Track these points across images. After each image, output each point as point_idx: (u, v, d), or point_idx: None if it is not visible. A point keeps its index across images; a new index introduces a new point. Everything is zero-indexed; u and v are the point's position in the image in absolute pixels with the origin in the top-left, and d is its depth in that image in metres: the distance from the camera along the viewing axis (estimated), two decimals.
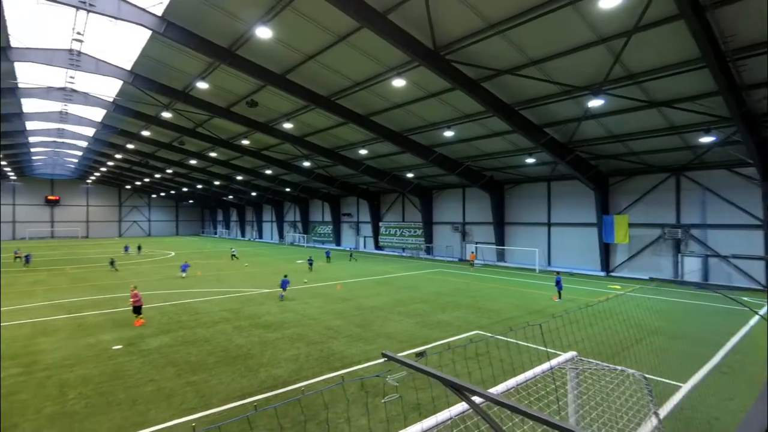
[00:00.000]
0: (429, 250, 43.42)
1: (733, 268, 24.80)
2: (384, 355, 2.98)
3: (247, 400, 9.36)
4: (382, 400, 9.17)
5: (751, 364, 11.66)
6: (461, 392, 2.43)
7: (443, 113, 24.32)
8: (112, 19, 19.33)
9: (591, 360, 5.79)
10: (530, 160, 28.66)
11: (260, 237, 78.16)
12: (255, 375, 10.82)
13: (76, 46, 22.83)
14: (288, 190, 55.15)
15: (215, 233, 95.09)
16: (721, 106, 17.93)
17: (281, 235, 69.64)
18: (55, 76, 27.54)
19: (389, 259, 41.59)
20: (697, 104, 18.69)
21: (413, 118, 25.62)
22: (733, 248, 24.71)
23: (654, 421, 6.00)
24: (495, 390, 5.06)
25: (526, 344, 13.08)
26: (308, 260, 33.56)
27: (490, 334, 14.28)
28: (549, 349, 12.67)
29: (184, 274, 28.51)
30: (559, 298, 20.51)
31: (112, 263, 32.34)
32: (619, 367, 5.49)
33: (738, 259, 24.45)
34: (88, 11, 17.40)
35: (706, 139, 21.29)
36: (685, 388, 9.97)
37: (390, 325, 15.70)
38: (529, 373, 5.83)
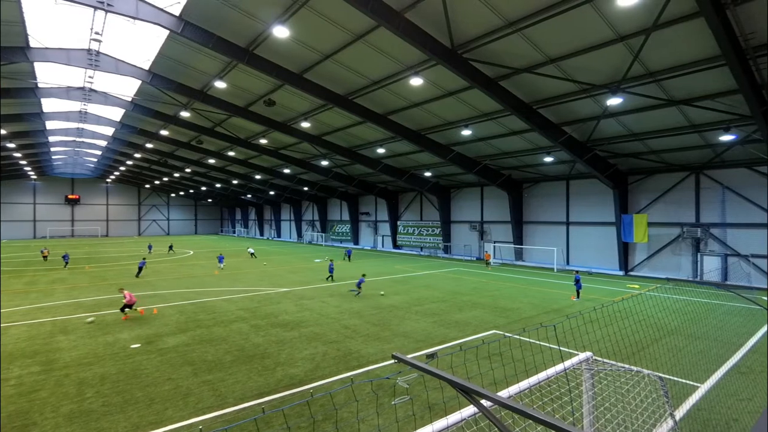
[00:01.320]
0: (447, 249, 43.28)
1: (753, 267, 24.17)
2: (394, 357, 2.97)
3: (263, 399, 9.38)
4: (393, 402, 9.17)
5: None
6: (470, 395, 2.41)
7: (461, 112, 24.18)
8: (131, 20, 19.79)
9: (606, 360, 5.72)
10: (548, 159, 28.30)
11: (278, 236, 78.83)
12: (272, 374, 10.88)
13: (94, 46, 23.32)
14: (306, 189, 55.50)
15: (234, 232, 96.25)
16: (741, 105, 17.50)
17: (299, 234, 70.12)
18: (75, 76, 28.21)
19: (407, 258, 41.56)
20: (717, 102, 18.25)
21: (431, 116, 25.53)
22: (752, 247, 24.12)
23: (670, 422, 5.90)
24: (507, 392, 5.03)
25: (542, 344, 12.99)
26: (329, 267, 27.56)
27: (507, 334, 14.20)
28: (564, 349, 12.60)
29: (221, 265, 31.90)
30: (578, 297, 20.26)
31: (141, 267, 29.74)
32: (635, 368, 5.42)
33: (758, 258, 23.84)
34: (107, 11, 17.75)
35: (726, 138, 20.75)
36: (703, 388, 9.79)
37: (407, 324, 15.71)
38: (542, 375, 5.79)
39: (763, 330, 14.74)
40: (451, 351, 12.46)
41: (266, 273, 30.31)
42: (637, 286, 24.19)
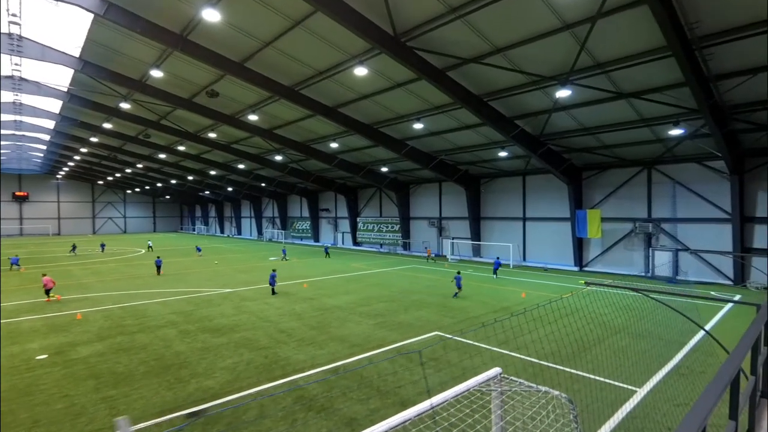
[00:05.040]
0: (406, 246, 42.74)
1: (704, 262, 24.69)
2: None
3: (164, 417, 8.48)
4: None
5: (712, 364, 11.21)
6: None
7: (412, 105, 23.47)
8: (53, 2, 17.99)
9: (515, 378, 5.06)
10: (503, 154, 28.07)
11: (239, 233, 76.57)
12: (183, 387, 9.92)
13: (15, 30, 21.20)
14: (264, 185, 53.80)
15: (194, 230, 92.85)
16: (689, 98, 17.48)
17: (260, 231, 68.20)
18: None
19: (366, 256, 40.78)
20: (665, 95, 18.27)
21: (382, 109, 24.71)
22: (703, 242, 24.60)
23: None
24: (407, 414, 4.34)
25: (481, 345, 12.49)
26: (456, 282, 20.66)
27: (449, 335, 13.65)
28: (504, 351, 12.13)
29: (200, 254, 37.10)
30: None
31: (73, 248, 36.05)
32: (543, 388, 4.77)
33: (707, 253, 24.35)
34: None
35: (676, 132, 20.91)
36: (641, 392, 9.44)
37: (347, 327, 14.92)
38: (450, 392, 5.13)
39: (708, 327, 14.75)
40: (387, 357, 11.80)
41: (215, 272, 28.85)
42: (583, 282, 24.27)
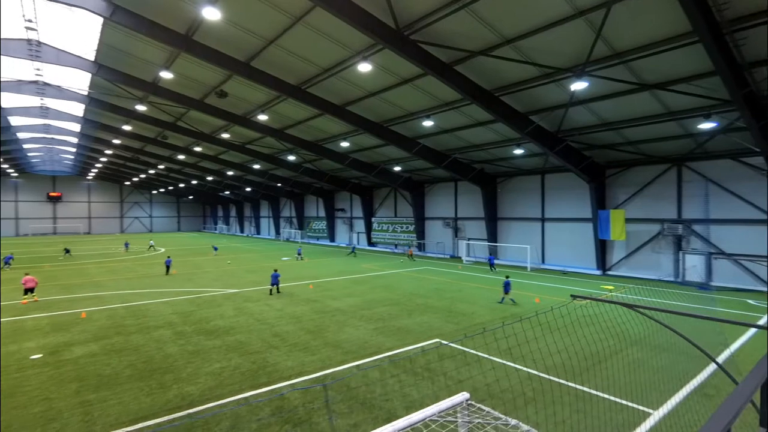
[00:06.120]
0: (421, 247, 41.87)
1: (740, 267, 22.77)
2: None
3: (136, 426, 8.14)
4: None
5: None
6: None
7: (420, 101, 22.70)
8: (67, 6, 18.28)
9: (483, 407, 4.32)
10: (519, 151, 26.85)
11: (258, 233, 77.55)
12: (164, 393, 9.60)
13: (32, 35, 21.76)
14: (279, 185, 54.10)
15: (216, 229, 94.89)
16: (720, 88, 16.00)
17: (277, 231, 68.79)
18: (23, 69, 26.61)
19: (379, 256, 40.14)
20: (693, 86, 16.82)
21: (390, 107, 24.04)
22: (738, 245, 22.69)
23: None
24: None
25: (482, 355, 11.62)
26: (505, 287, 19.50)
27: (451, 343, 12.85)
28: (506, 361, 11.23)
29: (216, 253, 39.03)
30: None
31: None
32: (513, 421, 4.01)
33: (743, 258, 22.43)
34: None
35: (707, 126, 19.32)
36: (656, 415, 8.40)
37: (345, 332, 14.34)
38: (416, 416, 4.46)
39: (743, 340, 13.35)
40: (378, 366, 11.15)
41: (224, 273, 28.88)
42: (611, 287, 22.83)
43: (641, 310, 4.38)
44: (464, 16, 14.83)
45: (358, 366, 11.13)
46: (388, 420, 7.80)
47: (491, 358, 11.47)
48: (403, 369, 10.82)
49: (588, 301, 4.92)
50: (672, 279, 24.92)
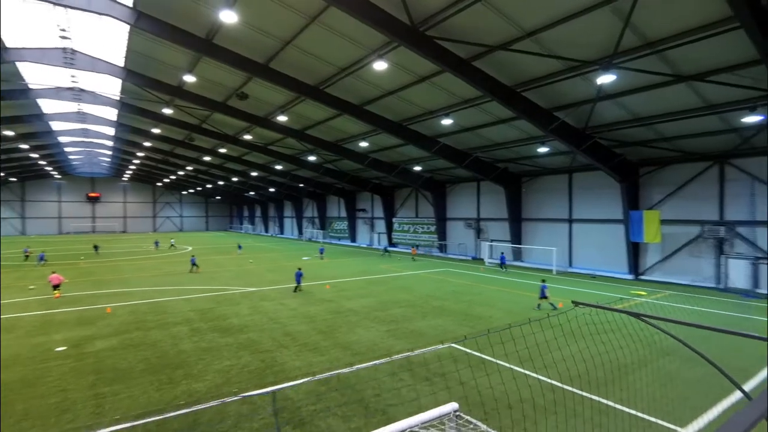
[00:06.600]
0: (442, 248, 41.17)
1: None
2: None
3: (141, 421, 8.19)
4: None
5: None
6: None
7: (439, 99, 22.22)
8: (97, 15, 19.00)
9: (472, 419, 3.94)
10: (544, 150, 25.83)
11: (282, 233, 78.82)
12: (173, 389, 9.68)
13: (67, 44, 22.79)
14: (302, 185, 54.74)
15: (241, 229, 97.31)
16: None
17: (300, 231, 69.70)
18: (61, 76, 27.98)
19: (399, 257, 39.73)
20: (735, 76, 15.53)
21: (408, 105, 23.67)
22: None
23: None
24: None
25: (497, 362, 11.08)
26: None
27: (463, 348, 12.37)
28: (523, 369, 10.63)
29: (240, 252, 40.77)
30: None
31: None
32: None
33: None
34: (56, 4, 16.90)
35: (752, 119, 17.84)
36: None
37: (356, 333, 14.11)
38: (400, 425, 4.14)
39: None
40: (385, 369, 10.81)
41: (245, 271, 29.32)
42: (643, 293, 21.55)
43: (651, 321, 3.87)
44: (481, 9, 14.31)
45: (367, 369, 10.84)
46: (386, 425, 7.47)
47: (507, 365, 10.91)
48: (411, 374, 10.45)
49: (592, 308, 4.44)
50: (713, 285, 23.25)
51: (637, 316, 4.06)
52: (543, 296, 17.39)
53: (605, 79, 16.16)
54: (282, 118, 27.76)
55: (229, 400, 8.97)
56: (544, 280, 18.44)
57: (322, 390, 9.52)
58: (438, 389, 9.49)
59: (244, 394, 9.23)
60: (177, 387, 9.78)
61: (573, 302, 4.60)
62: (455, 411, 4.11)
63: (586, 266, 29.47)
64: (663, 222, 24.90)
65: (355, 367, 10.84)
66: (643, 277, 26.33)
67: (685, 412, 8.39)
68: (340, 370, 10.64)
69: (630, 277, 26.55)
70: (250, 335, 13.86)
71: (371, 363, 11.20)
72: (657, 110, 19.61)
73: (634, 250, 26.47)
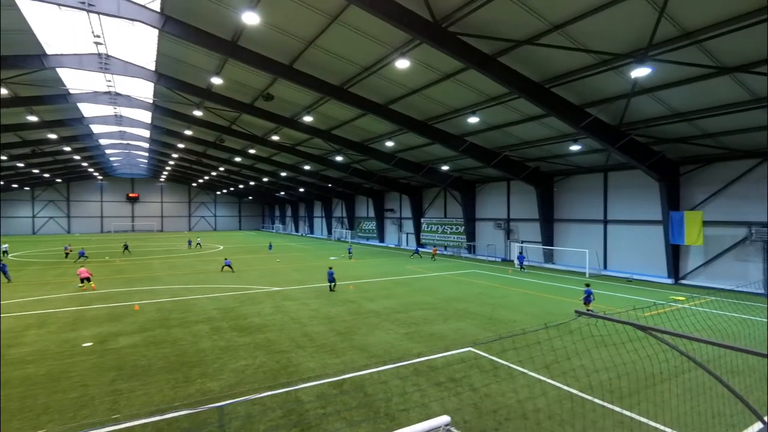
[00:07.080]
0: (471, 249, 40.34)
1: None
2: None
3: (153, 418, 8.29)
4: None
5: None
6: None
7: (465, 97, 21.67)
8: (129, 21, 19.76)
9: None
10: (576, 147, 24.71)
11: (311, 232, 79.89)
12: (187, 387, 9.79)
13: (101, 49, 23.85)
14: (330, 185, 55.18)
15: (272, 228, 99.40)
16: None
17: (330, 231, 70.37)
18: (97, 81, 29.37)
19: (426, 258, 39.25)
20: None
21: (434, 104, 23.24)
22: None
23: None
24: None
25: (517, 368, 10.59)
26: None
27: (483, 353, 11.91)
28: (543, 377, 10.07)
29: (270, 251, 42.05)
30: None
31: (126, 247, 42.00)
32: None
33: None
34: (88, 11, 17.66)
35: None
36: None
37: (374, 335, 13.90)
38: None
39: None
40: (401, 372, 10.54)
41: (272, 270, 29.74)
42: (682, 298, 20.21)
43: (660, 335, 3.43)
44: (505, 3, 13.76)
45: (381, 372, 10.61)
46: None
47: (527, 372, 10.40)
48: (427, 378, 10.12)
49: (596, 319, 4.01)
50: (761, 291, 21.51)
51: (643, 328, 3.63)
52: (587, 302, 16.33)
53: (640, 72, 15.17)
54: (308, 119, 27.97)
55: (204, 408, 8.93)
56: (588, 284, 17.44)
57: (333, 392, 9.36)
58: (449, 395, 9.13)
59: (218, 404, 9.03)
60: (191, 386, 9.86)
61: (576, 311, 4.20)
62: (446, 425, 3.82)
63: (622, 269, 28.03)
64: (706, 223, 23.32)
65: (367, 371, 10.63)
66: (683, 282, 24.74)
67: (717, 428, 7.66)
68: (353, 374, 10.46)
69: (669, 281, 25.00)
70: (269, 335, 13.92)
71: (385, 367, 10.95)
72: (698, 105, 18.30)
73: (674, 253, 24.91)
